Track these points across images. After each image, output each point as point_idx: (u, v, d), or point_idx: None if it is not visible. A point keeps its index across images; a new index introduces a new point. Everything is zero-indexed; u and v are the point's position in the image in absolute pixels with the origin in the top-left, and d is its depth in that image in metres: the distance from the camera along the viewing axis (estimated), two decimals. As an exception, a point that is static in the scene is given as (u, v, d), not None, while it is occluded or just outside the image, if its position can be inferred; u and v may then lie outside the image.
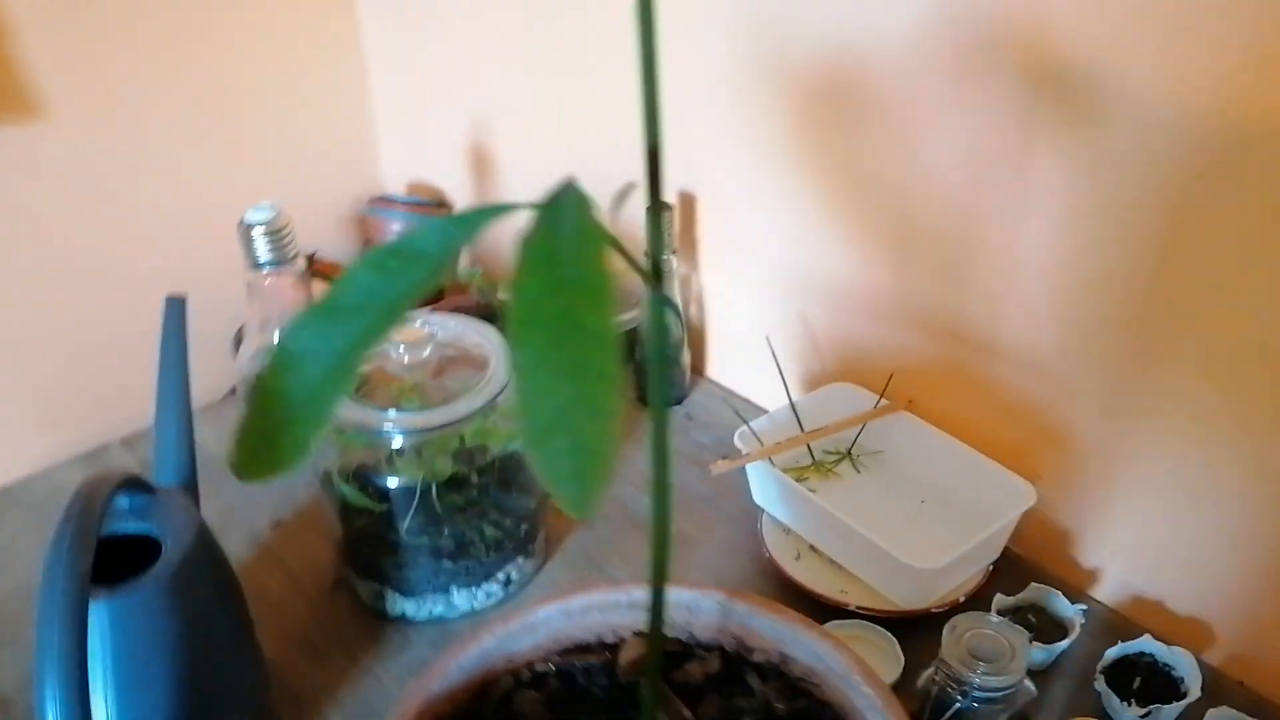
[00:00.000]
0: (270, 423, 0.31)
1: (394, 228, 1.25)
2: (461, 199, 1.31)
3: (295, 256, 0.84)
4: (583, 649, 0.52)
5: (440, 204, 1.30)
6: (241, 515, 0.88)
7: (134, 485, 0.60)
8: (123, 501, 0.61)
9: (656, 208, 0.34)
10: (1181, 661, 0.69)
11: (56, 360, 1.08)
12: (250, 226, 0.81)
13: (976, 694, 0.64)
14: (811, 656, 0.49)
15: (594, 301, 0.26)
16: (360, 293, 0.30)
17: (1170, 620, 0.76)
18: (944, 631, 0.68)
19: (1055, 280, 0.74)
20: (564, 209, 0.29)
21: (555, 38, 1.06)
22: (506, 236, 1.04)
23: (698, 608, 0.52)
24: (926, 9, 0.72)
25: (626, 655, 0.51)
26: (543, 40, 1.08)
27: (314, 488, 0.88)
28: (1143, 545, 0.77)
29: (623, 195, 0.37)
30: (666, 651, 0.52)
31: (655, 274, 0.36)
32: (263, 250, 0.82)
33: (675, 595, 0.52)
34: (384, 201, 1.26)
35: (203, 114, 1.13)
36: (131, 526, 0.61)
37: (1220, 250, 0.64)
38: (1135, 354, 0.71)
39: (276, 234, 0.82)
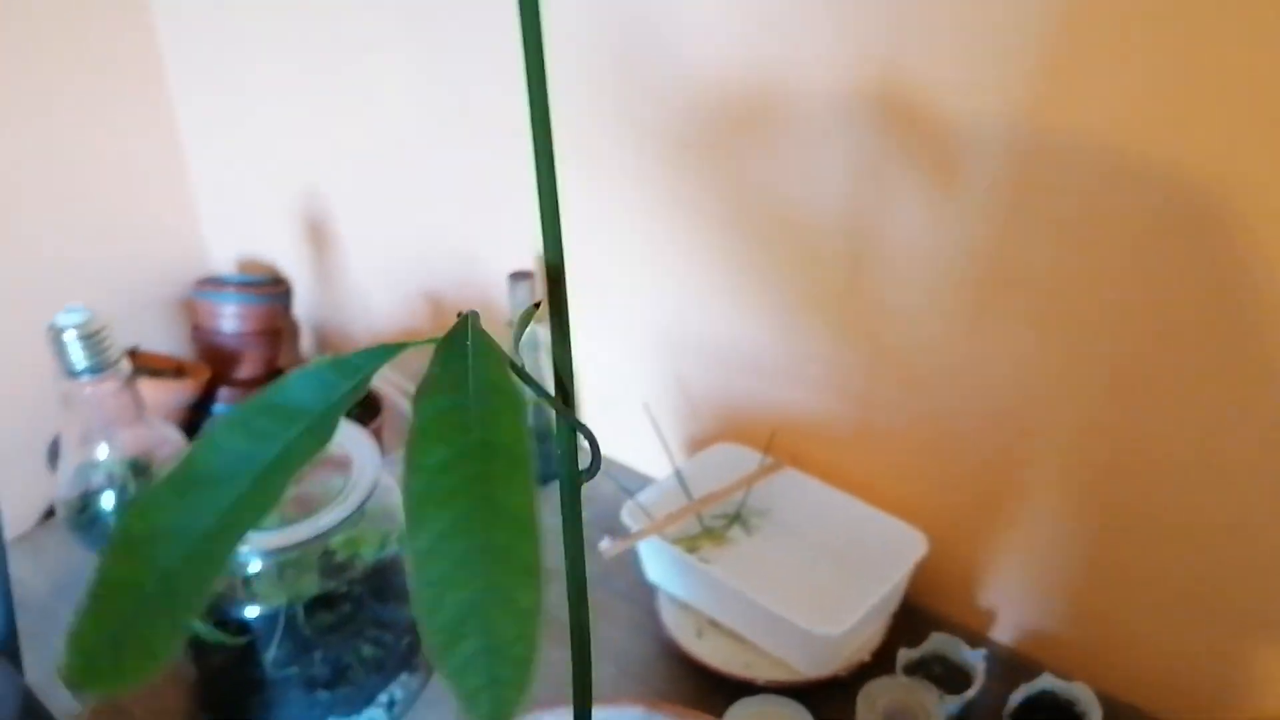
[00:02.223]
0: (115, 623, 0.25)
1: (227, 310, 1.16)
2: (299, 275, 1.23)
3: (117, 361, 0.75)
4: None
5: (276, 282, 1.22)
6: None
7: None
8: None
9: (564, 333, 0.30)
10: (1081, 695, 0.69)
11: None
12: (61, 331, 0.72)
13: (902, 765, 0.62)
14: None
15: (512, 474, 0.21)
16: (223, 460, 0.24)
17: (1065, 652, 0.77)
18: (858, 703, 0.66)
19: (926, 331, 0.73)
20: (465, 352, 0.25)
21: (390, 96, 1.01)
22: (356, 312, 0.97)
23: (618, 729, 0.47)
24: (783, 62, 0.71)
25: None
26: (378, 100, 1.02)
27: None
28: (1033, 583, 0.77)
29: (525, 322, 0.32)
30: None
31: (565, 400, 0.32)
32: (78, 357, 0.73)
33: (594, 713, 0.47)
34: (213, 284, 1.17)
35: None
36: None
37: (1098, 291, 0.64)
38: (1014, 399, 0.71)
39: (92, 338, 0.73)
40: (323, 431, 0.25)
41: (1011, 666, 0.76)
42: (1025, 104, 0.61)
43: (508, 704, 0.19)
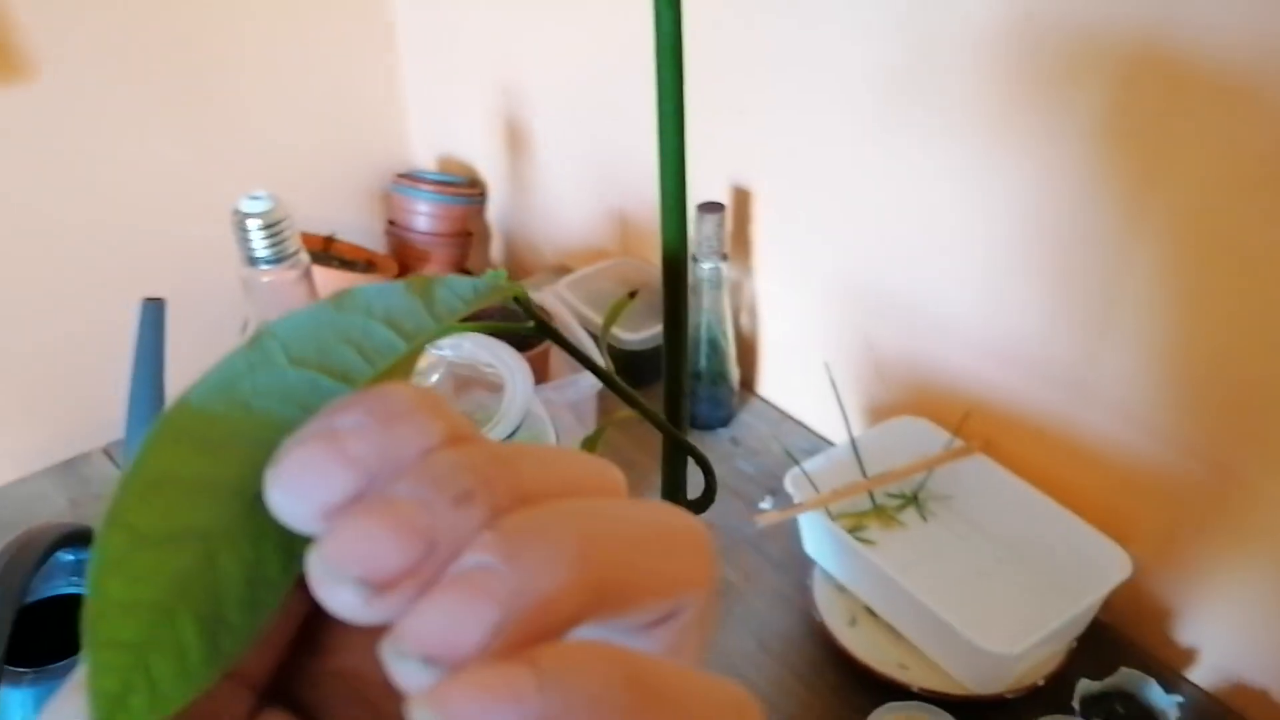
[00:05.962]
0: (178, 559, 0.16)
1: (421, 208, 1.16)
2: (495, 179, 1.21)
3: (296, 252, 0.75)
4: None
5: (472, 184, 1.21)
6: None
7: (80, 539, 0.52)
8: (66, 557, 0.52)
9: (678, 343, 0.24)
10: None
11: (32, 357, 0.99)
12: (245, 218, 0.72)
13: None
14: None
15: None
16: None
17: (1277, 713, 0.66)
18: (1026, 740, 0.58)
19: (1161, 321, 0.62)
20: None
21: (602, 5, 0.95)
22: (545, 225, 0.93)
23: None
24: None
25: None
26: (590, 8, 0.97)
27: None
28: (1250, 624, 0.66)
29: (612, 317, 0.27)
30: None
31: (674, 415, 0.26)
32: (259, 245, 0.72)
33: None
34: (410, 179, 1.17)
35: (203, 74, 1.04)
36: (77, 588, 0.52)
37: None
38: (1250, 406, 0.60)
39: (273, 227, 0.72)
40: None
41: (1207, 716, 0.66)
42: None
43: None
